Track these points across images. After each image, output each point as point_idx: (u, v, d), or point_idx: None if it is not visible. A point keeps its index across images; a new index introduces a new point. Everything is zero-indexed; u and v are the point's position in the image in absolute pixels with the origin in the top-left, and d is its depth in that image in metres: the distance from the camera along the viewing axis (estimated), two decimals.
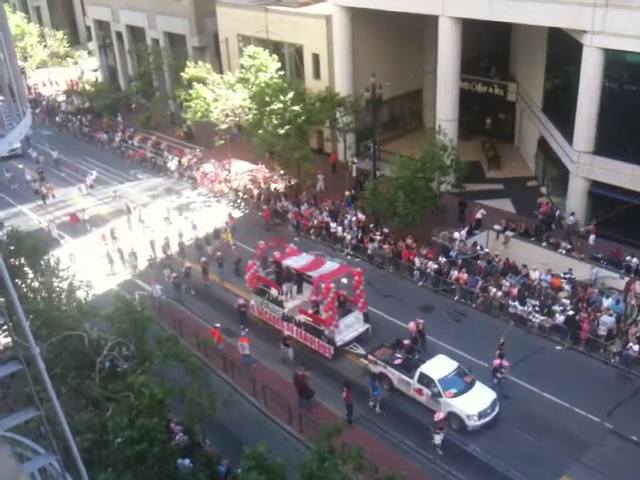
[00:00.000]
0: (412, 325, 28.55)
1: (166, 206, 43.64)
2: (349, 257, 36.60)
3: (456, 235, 34.87)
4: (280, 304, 30.65)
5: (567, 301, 29.81)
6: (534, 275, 31.68)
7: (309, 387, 26.44)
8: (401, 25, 45.08)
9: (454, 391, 24.72)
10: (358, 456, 17.84)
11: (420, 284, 33.83)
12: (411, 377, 25.74)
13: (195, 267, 35.57)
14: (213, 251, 37.04)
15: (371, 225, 37.67)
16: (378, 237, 36.15)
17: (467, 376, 25.47)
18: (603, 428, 24.24)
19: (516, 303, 30.28)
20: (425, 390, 25.20)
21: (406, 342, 27.50)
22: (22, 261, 27.41)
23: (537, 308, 29.90)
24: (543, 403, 25.16)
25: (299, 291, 31.78)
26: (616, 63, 33.44)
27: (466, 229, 35.86)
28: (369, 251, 36.15)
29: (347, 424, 24.33)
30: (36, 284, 26.48)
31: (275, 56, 44.50)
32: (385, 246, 35.57)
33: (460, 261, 33.15)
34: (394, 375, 26.37)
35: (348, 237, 37.33)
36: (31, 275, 27.18)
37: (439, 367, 25.57)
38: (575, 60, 34.61)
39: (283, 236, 37.99)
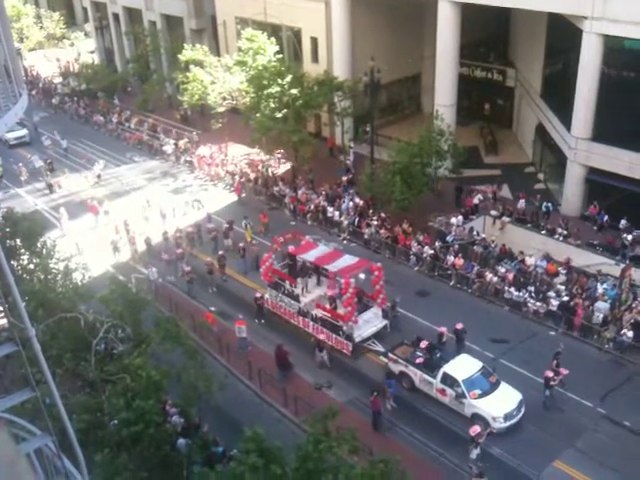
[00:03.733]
0: (443, 329, 27.61)
1: (185, 199, 42.12)
2: (345, 242, 36.65)
3: (453, 220, 34.90)
4: (296, 298, 29.85)
5: (562, 287, 29.94)
6: (530, 261, 31.79)
7: (289, 361, 26.85)
8: (400, 9, 44.81)
9: (479, 392, 24.06)
10: (352, 438, 17.94)
11: (416, 269, 33.90)
12: (434, 377, 25.02)
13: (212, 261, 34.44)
14: (234, 244, 35.71)
15: (370, 211, 37.62)
16: (375, 222, 36.16)
17: (492, 376, 24.79)
18: (596, 413, 24.44)
19: (512, 289, 30.38)
20: (448, 391, 24.52)
21: (425, 344, 26.50)
22: (18, 243, 27.40)
23: (532, 294, 30.02)
24: (536, 388, 25.27)
25: (316, 284, 31.09)
26: (615, 49, 33.30)
27: (461, 212, 35.95)
28: (366, 236, 36.18)
29: (373, 430, 24.03)
30: (32, 266, 26.46)
31: (273, 39, 44.25)
32: (382, 231, 35.60)
33: (456, 246, 33.19)
34: (416, 375, 25.62)
35: (345, 222, 37.33)
36: (26, 257, 27.15)
37: (463, 367, 24.91)
38: (574, 46, 34.47)
39: (280, 219, 38.06)
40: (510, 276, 30.93)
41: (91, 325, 20.91)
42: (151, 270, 33.61)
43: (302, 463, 16.61)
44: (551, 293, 29.67)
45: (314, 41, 47.72)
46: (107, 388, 19.92)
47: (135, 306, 22.81)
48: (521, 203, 36.76)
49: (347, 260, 29.08)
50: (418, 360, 25.75)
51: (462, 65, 44.49)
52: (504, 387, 24.52)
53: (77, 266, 25.41)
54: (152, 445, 19.11)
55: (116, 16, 65.93)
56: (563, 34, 36.98)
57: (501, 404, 23.81)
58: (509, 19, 47.08)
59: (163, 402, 22.13)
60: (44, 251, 27.15)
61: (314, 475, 16.50)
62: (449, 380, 24.56)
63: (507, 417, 23.58)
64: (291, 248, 31.22)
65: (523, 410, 24.07)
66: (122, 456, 18.15)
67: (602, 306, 28.25)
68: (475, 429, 22.41)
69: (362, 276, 29.62)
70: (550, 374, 24.59)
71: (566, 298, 29.02)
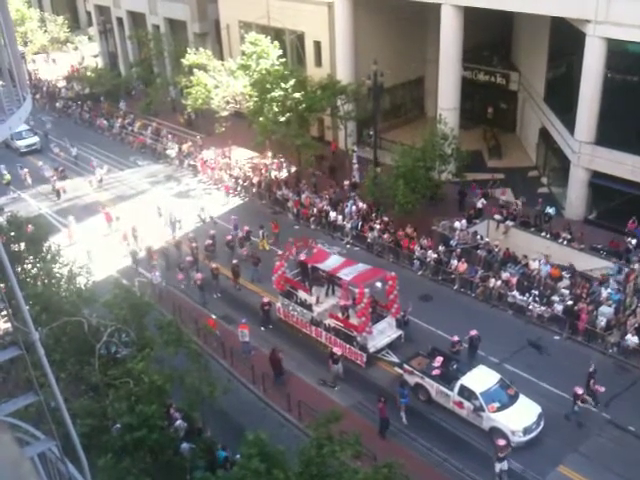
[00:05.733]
0: (456, 338, 27.16)
1: (200, 206, 41.29)
2: (348, 246, 36.62)
3: (457, 224, 34.85)
4: (309, 307, 29.42)
5: (566, 291, 29.85)
6: (534, 265, 31.72)
7: (281, 366, 26.91)
8: (403, 13, 44.84)
9: (497, 405, 23.59)
10: (356, 443, 17.88)
11: (420, 273, 33.83)
12: (451, 389, 24.52)
13: (222, 269, 34.19)
14: (245, 253, 35.22)
15: (373, 215, 37.58)
16: (378, 226, 36.14)
17: (510, 388, 24.36)
18: (601, 418, 24.33)
19: (515, 293, 30.29)
20: (466, 403, 24.04)
21: (440, 360, 25.70)
22: (22, 247, 27.38)
23: (536, 298, 29.94)
24: (541, 393, 25.19)
25: (328, 294, 30.56)
26: (618, 53, 33.28)
27: (465, 216, 35.95)
28: (369, 240, 36.15)
29: (379, 437, 23.86)
30: (35, 270, 26.42)
31: (276, 43, 44.32)
32: (385, 235, 35.56)
33: (459, 250, 33.13)
34: (432, 387, 25.10)
35: (348, 226, 37.31)
36: (30, 261, 27.10)
37: (481, 379, 24.44)
38: (577, 50, 34.46)
39: (283, 223, 38.05)
40: (514, 280, 30.85)
41: (95, 329, 20.90)
42: (154, 274, 33.59)
43: (305, 468, 16.57)
44: (555, 297, 29.59)
45: (317, 45, 47.78)
46: (110, 392, 19.88)
47: (139, 310, 22.79)
48: (502, 200, 37.49)
49: (360, 269, 28.51)
50: (434, 372, 25.24)
51: (465, 69, 44.48)
52: (523, 400, 24.04)
53: (81, 270, 25.36)
54: (155, 450, 19.08)
55: (120, 20, 66.13)
56: (566, 38, 36.96)
57: (520, 417, 23.36)
58: (512, 23, 47.06)
59: (167, 406, 22.11)
60: (48, 256, 27.10)
61: None
62: (466, 392, 24.07)
63: (526, 431, 23.13)
64: (305, 257, 30.60)
65: (542, 423, 23.56)
66: (125, 461, 18.11)
67: (606, 310, 28.16)
68: (502, 441, 21.92)
69: (379, 285, 28.97)
70: (580, 391, 23.93)
71: (570, 302, 28.94)
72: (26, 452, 8.53)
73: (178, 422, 22.60)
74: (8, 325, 21.28)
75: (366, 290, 27.01)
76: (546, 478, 22.15)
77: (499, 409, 23.55)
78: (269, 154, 45.85)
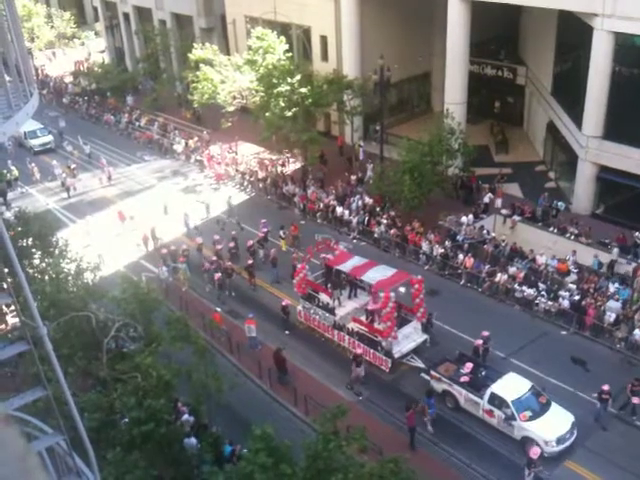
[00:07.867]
0: (479, 342, 26.70)
1: (206, 203, 40.96)
2: (355, 241, 36.61)
3: (463, 219, 34.81)
4: (331, 311, 28.84)
5: (573, 286, 29.78)
6: (541, 260, 31.65)
7: (285, 367, 26.85)
8: (410, 7, 44.74)
9: (529, 414, 22.89)
10: (362, 437, 17.91)
11: (426, 268, 33.78)
12: (480, 397, 23.83)
13: (239, 269, 34.01)
14: (265, 254, 35.09)
15: (377, 209, 37.59)
16: (385, 221, 36.11)
17: (542, 396, 23.66)
18: (607, 413, 24.26)
19: (523, 287, 30.20)
20: (497, 412, 23.32)
21: (470, 366, 25.12)
22: (29, 242, 27.48)
23: (543, 293, 29.88)
24: (548, 388, 25.14)
25: (350, 297, 30.23)
26: (626, 47, 33.11)
27: (472, 211, 35.90)
28: (375, 235, 36.13)
29: (410, 449, 22.96)
30: (44, 265, 26.52)
31: (283, 38, 44.23)
32: (392, 230, 35.53)
33: (466, 245, 33.07)
34: (461, 394, 24.42)
35: (354, 221, 37.29)
36: (38, 256, 27.20)
37: (512, 387, 23.73)
38: (585, 44, 34.28)
39: (293, 219, 38.08)
40: (521, 275, 30.78)
41: (102, 324, 20.98)
42: (161, 269, 33.64)
43: (312, 462, 16.61)
44: (562, 292, 29.52)
45: (323, 39, 47.71)
46: (118, 387, 19.97)
47: (147, 305, 22.85)
48: (498, 202, 37.24)
49: (385, 272, 27.70)
50: (463, 379, 24.61)
51: (472, 63, 44.34)
52: (555, 408, 23.40)
53: (89, 266, 25.42)
54: (163, 444, 19.17)
55: (126, 15, 66.19)
56: (574, 32, 36.77)
57: (553, 426, 22.71)
58: (519, 16, 46.85)
59: (174, 401, 22.19)
60: (56, 251, 27.19)
61: (324, 474, 16.50)
62: (497, 401, 23.41)
63: (560, 440, 22.50)
64: (328, 258, 30.03)
65: (576, 433, 22.92)
66: (133, 454, 18.20)
67: (614, 305, 28.08)
68: (535, 451, 21.30)
69: (402, 290, 28.39)
70: (607, 389, 23.61)
71: (577, 297, 28.87)
72: (34, 446, 8.57)
73: (185, 416, 22.68)
74: (16, 320, 21.37)
75: (392, 294, 26.41)
76: (553, 473, 22.12)
77: (531, 418, 22.91)
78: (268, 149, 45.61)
